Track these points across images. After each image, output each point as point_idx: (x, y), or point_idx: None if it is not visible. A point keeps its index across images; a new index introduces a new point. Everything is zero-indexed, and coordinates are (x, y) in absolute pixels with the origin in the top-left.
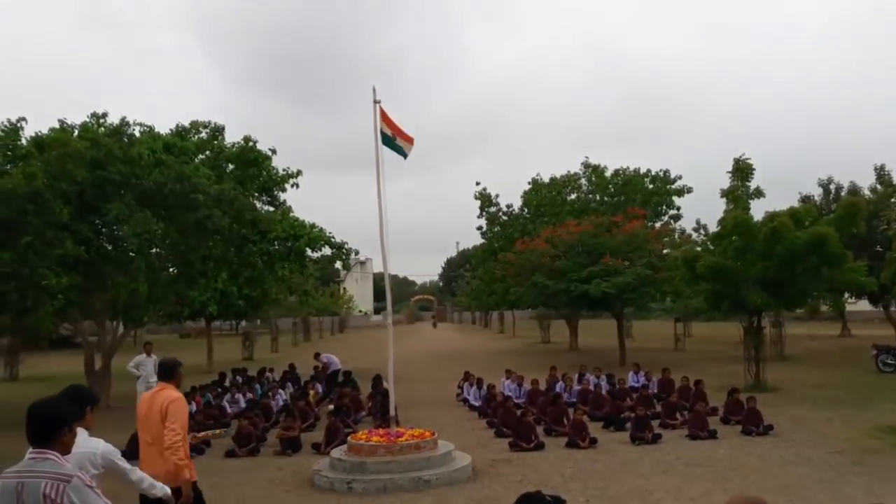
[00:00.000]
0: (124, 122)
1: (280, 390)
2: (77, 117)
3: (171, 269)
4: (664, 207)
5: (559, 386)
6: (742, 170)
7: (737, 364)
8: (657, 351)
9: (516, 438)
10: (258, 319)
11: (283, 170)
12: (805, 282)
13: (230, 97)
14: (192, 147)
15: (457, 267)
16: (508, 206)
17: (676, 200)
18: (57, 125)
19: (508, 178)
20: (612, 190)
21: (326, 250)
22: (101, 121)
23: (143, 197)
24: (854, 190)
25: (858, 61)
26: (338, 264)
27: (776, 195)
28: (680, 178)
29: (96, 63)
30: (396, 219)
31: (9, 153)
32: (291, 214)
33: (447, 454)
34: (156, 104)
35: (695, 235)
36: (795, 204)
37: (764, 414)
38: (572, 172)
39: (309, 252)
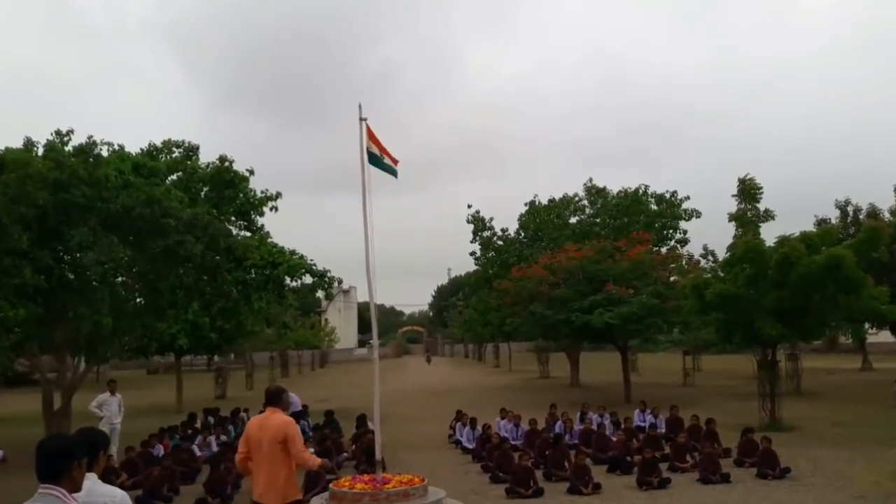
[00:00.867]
0: (91, 142)
1: None
2: (43, 135)
3: (138, 300)
4: (670, 231)
5: (559, 426)
6: (748, 191)
7: (750, 401)
8: (665, 387)
9: (513, 484)
10: (232, 354)
11: (262, 192)
12: (822, 311)
13: (210, 115)
14: (164, 168)
15: (448, 295)
16: (504, 231)
17: (683, 224)
18: (22, 144)
19: (504, 201)
20: (615, 212)
21: (307, 279)
22: (66, 139)
23: (110, 222)
24: (873, 212)
25: (876, 74)
26: (319, 294)
27: (791, 218)
28: (687, 199)
29: (68, 77)
30: (384, 243)
31: None
32: (269, 240)
33: (438, 502)
34: (130, 121)
35: (703, 262)
36: (812, 227)
37: (780, 455)
38: (571, 194)
39: (288, 281)
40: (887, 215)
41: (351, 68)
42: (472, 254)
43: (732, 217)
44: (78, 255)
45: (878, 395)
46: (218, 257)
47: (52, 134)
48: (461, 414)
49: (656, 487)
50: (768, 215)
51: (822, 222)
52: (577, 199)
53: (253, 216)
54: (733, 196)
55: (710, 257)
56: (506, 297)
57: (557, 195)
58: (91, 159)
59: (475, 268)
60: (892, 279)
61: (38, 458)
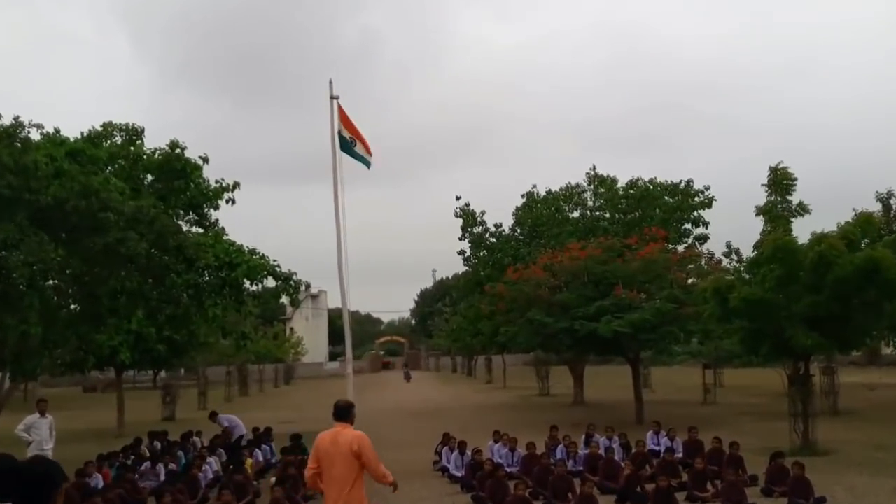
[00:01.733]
0: (18, 123)
1: (210, 459)
2: None
3: (72, 307)
4: (688, 226)
5: (561, 450)
6: (780, 181)
7: (780, 421)
8: (682, 405)
9: None
10: (182, 369)
11: (217, 182)
12: (862, 318)
13: (159, 93)
14: (104, 155)
15: (433, 301)
16: (497, 226)
17: (703, 216)
18: None
19: (498, 192)
20: (625, 205)
21: (270, 282)
22: None
23: (39, 216)
24: None
25: None
26: (284, 299)
27: (828, 212)
28: (707, 189)
29: None
30: (359, 241)
31: None
32: (226, 237)
33: None
34: (66, 99)
35: (726, 261)
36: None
37: (814, 483)
38: (574, 184)
39: (247, 284)
40: None
41: (325, 39)
42: (461, 253)
43: (760, 210)
44: (2, 254)
45: None
46: (166, 257)
47: None
48: (448, 437)
49: None
50: (802, 209)
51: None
52: (580, 189)
53: (206, 210)
54: (763, 186)
55: (733, 256)
56: (499, 303)
57: (559, 185)
58: (18, 144)
59: (464, 269)
60: None
61: (16, 484)
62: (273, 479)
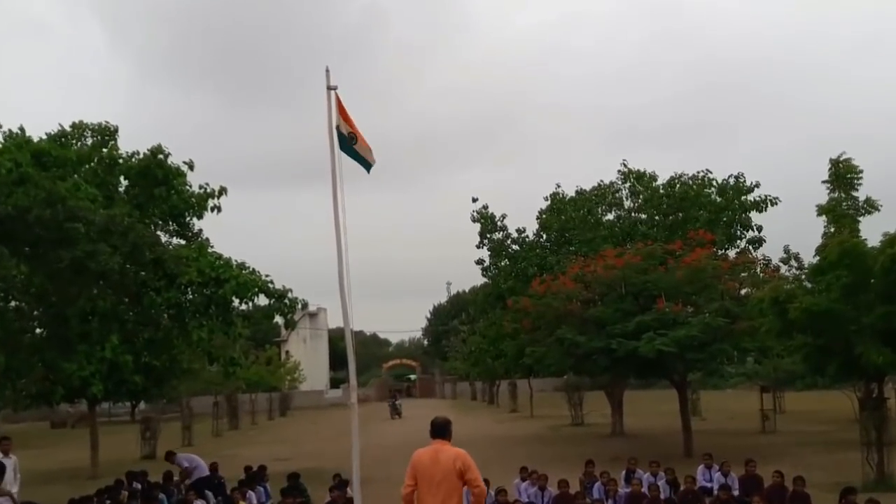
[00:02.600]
0: None
1: (196, 502)
2: None
3: (37, 331)
4: (739, 229)
5: (598, 489)
6: (843, 175)
7: (850, 451)
8: (737, 434)
9: None
10: (163, 400)
11: (201, 187)
12: None
13: (137, 88)
14: (74, 157)
15: (448, 318)
16: (520, 232)
17: (755, 218)
18: None
19: (520, 192)
20: (666, 205)
21: (262, 299)
22: None
23: None
24: None
25: None
26: (278, 319)
27: None
28: (757, 186)
29: None
30: (363, 251)
31: None
32: (211, 249)
33: None
34: (33, 95)
35: (784, 268)
36: None
37: None
38: (606, 183)
39: (236, 303)
40: None
41: (324, 22)
42: (479, 262)
43: (822, 209)
44: None
45: None
46: (142, 273)
47: None
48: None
49: None
50: (870, 206)
51: None
52: (614, 188)
53: (188, 219)
54: (824, 182)
55: (793, 262)
56: (524, 320)
57: (590, 183)
58: None
59: (483, 281)
60: None
61: None
62: None
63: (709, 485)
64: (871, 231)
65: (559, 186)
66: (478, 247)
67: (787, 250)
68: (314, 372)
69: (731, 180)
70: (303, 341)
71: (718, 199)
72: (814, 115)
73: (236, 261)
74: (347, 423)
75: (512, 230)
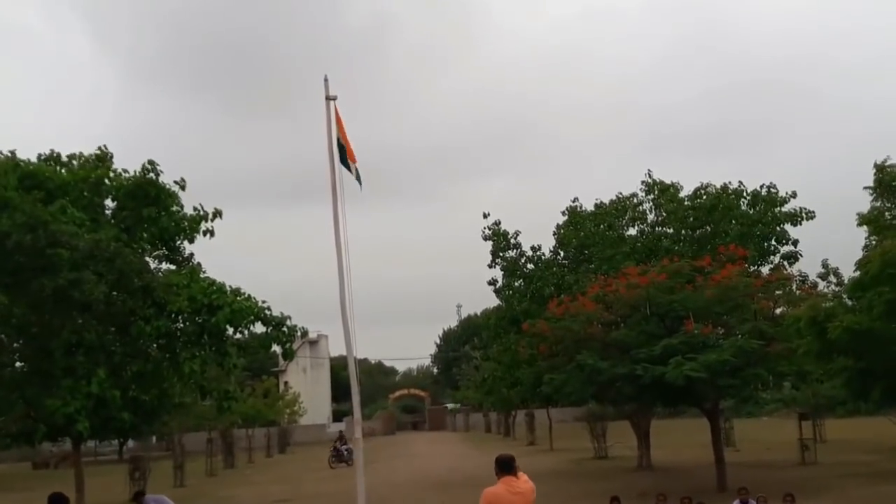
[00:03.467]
0: None
1: None
2: None
3: (17, 365)
4: (773, 243)
5: None
6: (889, 182)
7: None
8: (774, 466)
9: None
10: (153, 437)
11: (195, 209)
12: None
13: (125, 97)
14: (67, 180)
15: (459, 344)
16: (535, 249)
17: (790, 232)
18: None
19: (535, 207)
20: (693, 218)
21: (259, 327)
22: None
23: None
24: None
25: None
26: (276, 349)
27: None
28: (794, 196)
29: None
30: (366, 272)
31: None
32: (203, 274)
33: None
34: (14, 109)
35: (822, 284)
36: None
37: None
38: (626, 195)
39: (230, 331)
40: None
41: (329, 26)
42: (492, 283)
43: (863, 219)
44: None
45: None
46: (130, 301)
47: None
48: None
49: None
50: None
51: None
52: (636, 201)
53: (179, 242)
54: (866, 189)
55: (832, 278)
56: (541, 345)
57: (613, 193)
58: None
59: (496, 303)
60: None
61: None
62: None
63: None
64: None
65: (577, 200)
66: (490, 266)
67: (825, 265)
68: (315, 404)
69: (763, 190)
70: (302, 371)
71: (750, 211)
72: (854, 117)
73: (230, 286)
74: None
75: (526, 247)
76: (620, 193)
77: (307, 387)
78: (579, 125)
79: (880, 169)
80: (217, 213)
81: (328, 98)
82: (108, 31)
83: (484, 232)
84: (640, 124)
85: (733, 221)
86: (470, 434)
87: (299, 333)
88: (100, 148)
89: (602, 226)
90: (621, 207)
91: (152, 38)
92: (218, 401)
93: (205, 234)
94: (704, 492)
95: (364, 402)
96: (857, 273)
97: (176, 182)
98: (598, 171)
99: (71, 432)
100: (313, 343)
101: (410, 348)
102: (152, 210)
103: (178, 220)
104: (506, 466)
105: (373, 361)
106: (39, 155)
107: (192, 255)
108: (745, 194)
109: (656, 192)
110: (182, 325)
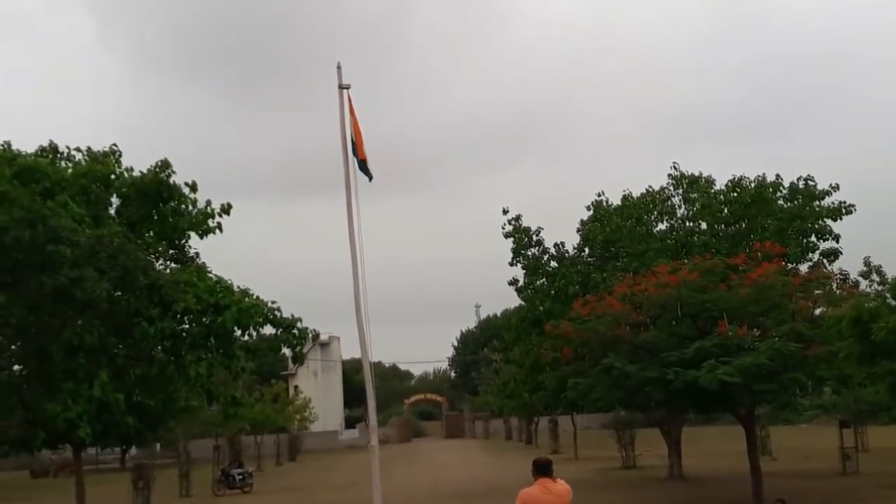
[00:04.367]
0: None
1: None
2: None
3: (15, 368)
4: (812, 239)
5: None
6: None
7: None
8: (813, 476)
9: None
10: (158, 444)
11: (207, 204)
12: None
13: (130, 84)
14: (59, 175)
15: (478, 346)
16: (558, 246)
17: (831, 227)
18: None
19: (559, 200)
20: (727, 213)
21: (266, 329)
22: None
23: None
24: None
25: None
26: (286, 351)
27: None
28: (835, 189)
29: None
30: (380, 269)
31: None
32: (210, 274)
33: None
34: (14, 95)
35: (864, 283)
36: None
37: None
38: (655, 189)
39: (238, 333)
40: None
41: (345, 8)
42: (513, 282)
43: None
44: None
45: None
46: (135, 300)
47: None
48: None
49: None
50: None
51: None
52: (666, 195)
53: (185, 241)
54: None
55: (874, 276)
56: (565, 347)
57: (640, 187)
58: None
59: (517, 303)
60: None
61: None
62: None
63: None
64: None
65: (602, 194)
66: (511, 264)
67: (867, 262)
68: (327, 410)
69: (801, 183)
70: (313, 375)
71: (787, 205)
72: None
73: (238, 286)
74: (366, 468)
75: (549, 245)
76: (650, 187)
77: (318, 391)
78: (607, 113)
79: None
80: (226, 208)
81: (341, 87)
82: (113, 16)
83: (504, 228)
84: (670, 111)
85: (771, 217)
86: (490, 441)
87: (310, 336)
88: (112, 146)
89: (630, 220)
90: (650, 201)
91: (155, 20)
92: (224, 407)
93: (213, 230)
94: (740, 502)
95: (378, 407)
96: None
97: (187, 184)
98: (625, 162)
99: (72, 438)
100: (324, 345)
101: (426, 350)
102: (165, 209)
103: (188, 217)
104: (543, 469)
105: (387, 364)
106: (40, 148)
107: (197, 253)
108: (781, 187)
109: (685, 185)
110: (188, 326)
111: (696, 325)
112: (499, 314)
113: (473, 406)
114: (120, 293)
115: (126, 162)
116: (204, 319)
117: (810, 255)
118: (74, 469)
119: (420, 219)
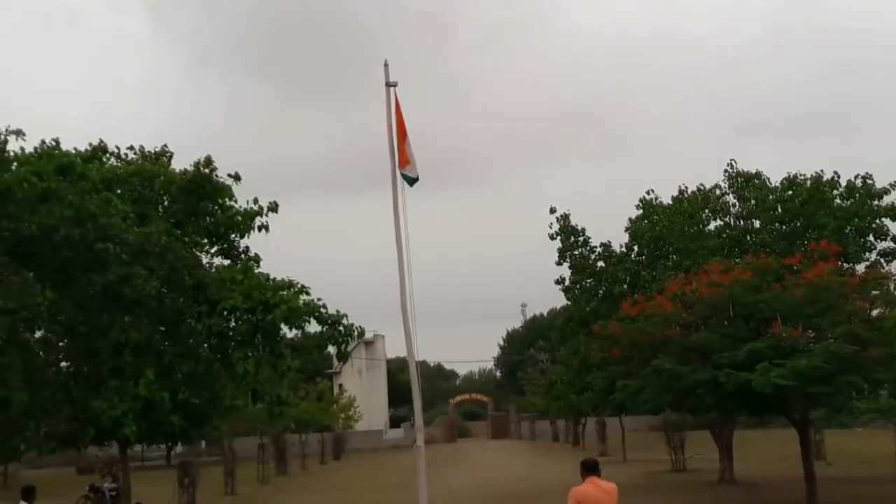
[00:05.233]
0: None
1: None
2: None
3: (63, 366)
4: (871, 239)
5: None
6: None
7: None
8: (869, 482)
9: None
10: (203, 442)
11: (256, 203)
12: None
13: (185, 82)
14: (104, 173)
15: (524, 346)
16: (605, 246)
17: (890, 226)
18: None
19: (608, 200)
20: (782, 212)
21: (312, 325)
22: None
23: (21, 250)
24: None
25: None
26: (330, 349)
27: None
28: (894, 188)
29: None
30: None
31: None
32: (258, 271)
33: None
34: (69, 92)
35: None
36: None
37: None
38: (707, 187)
39: (285, 330)
40: None
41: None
42: (560, 281)
43: None
44: None
45: None
46: (182, 299)
47: None
48: None
49: None
50: None
51: None
52: (719, 192)
53: (234, 237)
54: None
55: None
56: (614, 348)
57: (693, 185)
58: None
59: (563, 303)
60: None
61: None
62: None
63: None
64: None
65: (651, 192)
66: (557, 263)
67: None
68: (371, 409)
69: (858, 181)
70: (358, 373)
71: (844, 203)
72: None
73: (287, 281)
74: (411, 468)
75: (596, 243)
76: (702, 186)
77: (363, 390)
78: (661, 109)
79: None
80: (273, 207)
81: (388, 84)
82: (166, 13)
83: (551, 228)
84: (725, 108)
85: (830, 216)
86: (536, 443)
87: (356, 333)
88: (164, 146)
89: (682, 217)
90: (703, 199)
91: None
92: (269, 406)
93: (259, 229)
94: None
95: (423, 407)
96: None
97: (230, 175)
98: (679, 160)
99: (118, 436)
100: (369, 344)
101: (472, 350)
102: (207, 204)
103: (232, 216)
104: (591, 468)
105: (431, 364)
106: (90, 147)
107: (247, 248)
108: (838, 185)
109: (740, 182)
110: (235, 323)
111: (748, 326)
112: (545, 313)
113: (519, 407)
114: (167, 291)
115: (175, 159)
116: (251, 317)
117: (868, 255)
118: (121, 466)
119: (467, 216)
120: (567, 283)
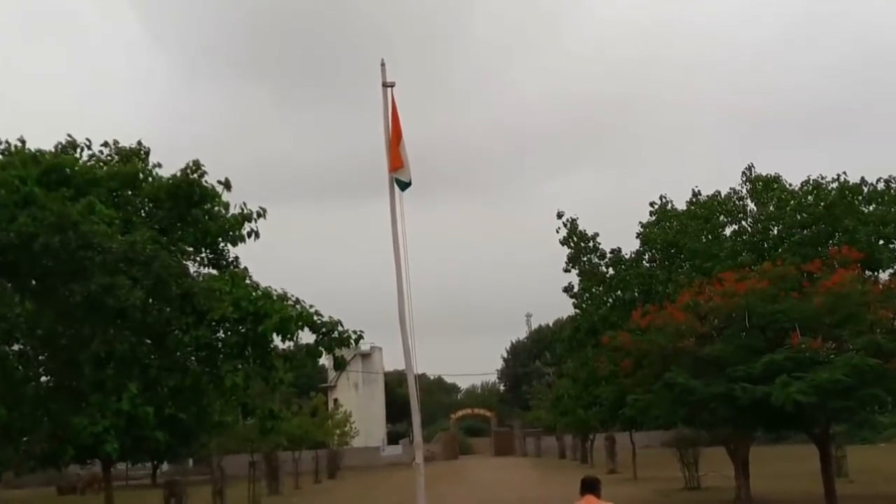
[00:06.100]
0: None
1: None
2: None
3: (43, 379)
4: (893, 244)
5: None
6: None
7: None
8: (893, 500)
9: None
10: (191, 460)
11: (245, 208)
12: None
13: (177, 87)
14: (87, 175)
15: (529, 358)
16: (615, 252)
17: None
18: None
19: (618, 208)
20: (806, 215)
21: (305, 335)
22: None
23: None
24: None
25: None
26: (324, 360)
27: None
28: None
29: None
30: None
31: None
32: (247, 281)
33: None
34: (61, 98)
35: None
36: None
37: None
38: (724, 193)
39: (277, 341)
40: None
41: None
42: (567, 289)
43: None
44: None
45: None
46: (168, 309)
47: None
48: None
49: None
50: None
51: None
52: (735, 196)
53: (222, 245)
54: None
55: None
56: (624, 360)
57: (708, 190)
58: None
59: (570, 313)
60: None
61: None
62: None
63: None
64: None
65: (664, 198)
66: (565, 270)
67: None
68: (368, 424)
69: (885, 186)
70: (354, 387)
71: (867, 209)
72: None
73: (277, 290)
74: (410, 487)
75: (606, 248)
76: (718, 192)
77: (359, 405)
78: (672, 114)
79: None
80: (261, 213)
81: (385, 85)
82: (158, 17)
83: (559, 233)
84: (742, 110)
85: (854, 221)
86: (542, 460)
87: (352, 339)
88: (139, 142)
89: (696, 222)
90: (719, 203)
91: (204, 23)
92: (261, 421)
93: (249, 235)
94: None
95: (423, 422)
96: None
97: (220, 182)
98: (691, 164)
99: (99, 453)
100: (366, 356)
101: (474, 362)
102: (197, 211)
103: (221, 223)
104: (590, 486)
105: (431, 377)
106: (59, 145)
107: (236, 258)
108: (864, 187)
109: (759, 186)
110: (223, 335)
111: (765, 337)
112: (551, 324)
113: (524, 422)
114: (153, 302)
115: (168, 164)
116: (241, 328)
117: (893, 263)
118: (103, 485)
119: (468, 223)
120: (574, 290)
